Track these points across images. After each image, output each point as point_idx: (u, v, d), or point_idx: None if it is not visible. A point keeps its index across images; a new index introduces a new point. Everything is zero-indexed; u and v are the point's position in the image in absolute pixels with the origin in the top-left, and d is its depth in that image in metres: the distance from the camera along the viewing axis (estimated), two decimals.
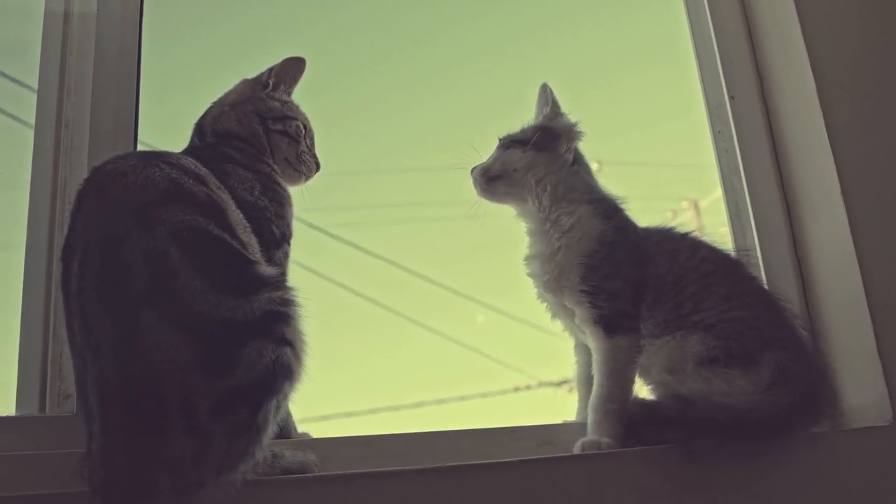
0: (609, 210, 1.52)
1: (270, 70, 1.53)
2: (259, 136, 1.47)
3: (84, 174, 1.39)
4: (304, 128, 1.54)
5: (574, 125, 1.58)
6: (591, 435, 1.36)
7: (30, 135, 1.52)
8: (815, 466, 1.40)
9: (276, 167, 1.48)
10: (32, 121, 1.52)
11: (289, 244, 1.40)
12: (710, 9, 1.99)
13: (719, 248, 1.56)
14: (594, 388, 1.40)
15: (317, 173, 1.56)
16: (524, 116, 1.64)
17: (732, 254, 1.58)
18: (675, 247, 1.52)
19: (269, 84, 1.52)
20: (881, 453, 1.49)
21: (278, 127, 1.49)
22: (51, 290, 1.42)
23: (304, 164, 1.52)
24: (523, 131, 1.57)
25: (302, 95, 1.58)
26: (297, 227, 1.45)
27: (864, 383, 1.60)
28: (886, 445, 1.50)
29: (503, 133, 1.59)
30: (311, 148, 1.55)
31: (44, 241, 1.46)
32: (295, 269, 1.42)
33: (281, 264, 1.34)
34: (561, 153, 1.53)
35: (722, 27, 1.98)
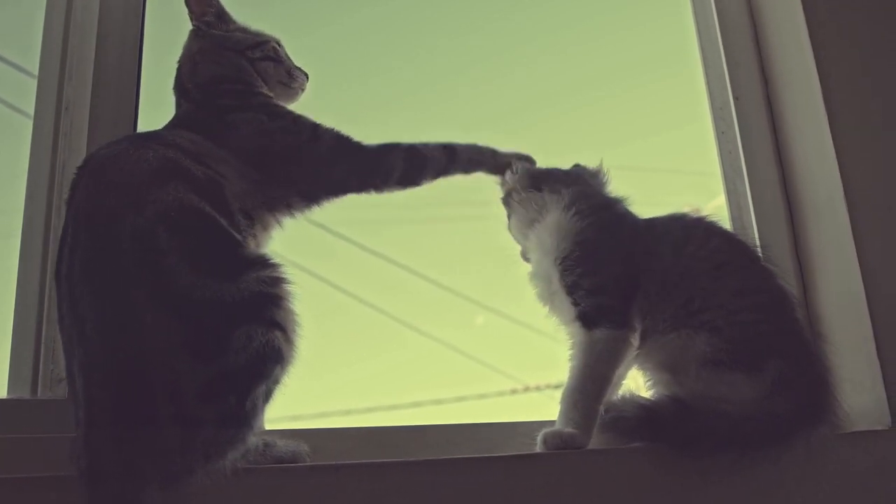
0: (589, 209, 1.49)
1: (200, 7, 1.47)
2: (246, 70, 1.45)
3: (83, 158, 1.40)
4: (278, 44, 1.52)
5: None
6: (556, 425, 1.34)
7: (28, 124, 1.51)
8: (811, 470, 1.38)
9: (270, 94, 1.47)
10: (31, 109, 1.52)
11: (323, 128, 1.41)
12: (716, 9, 1.98)
13: (738, 237, 1.53)
14: (567, 380, 1.38)
15: (307, 81, 1.55)
16: (530, 122, 1.63)
17: (751, 245, 1.52)
18: (685, 235, 1.48)
19: (212, 20, 1.48)
20: (879, 457, 1.47)
21: (258, 54, 1.47)
22: (45, 273, 1.42)
23: (295, 78, 1.51)
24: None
25: (310, 93, 1.58)
26: (298, 226, 1.44)
27: (863, 387, 1.59)
28: (885, 449, 1.48)
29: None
30: (290, 60, 1.54)
31: (40, 223, 1.45)
32: (294, 270, 1.40)
33: (333, 133, 1.40)
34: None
35: (728, 28, 1.96)
